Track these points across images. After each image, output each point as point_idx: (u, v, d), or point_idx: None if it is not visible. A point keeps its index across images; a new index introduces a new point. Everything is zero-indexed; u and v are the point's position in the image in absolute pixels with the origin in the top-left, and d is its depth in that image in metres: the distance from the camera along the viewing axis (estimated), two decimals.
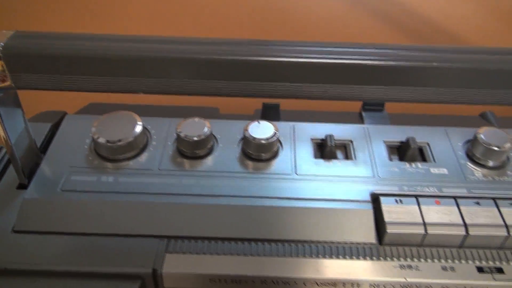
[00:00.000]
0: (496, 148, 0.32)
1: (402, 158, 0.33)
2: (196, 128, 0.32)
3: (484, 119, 0.39)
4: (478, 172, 0.32)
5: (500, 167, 0.33)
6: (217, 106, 0.39)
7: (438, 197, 0.30)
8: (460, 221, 0.28)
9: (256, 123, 0.33)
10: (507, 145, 0.32)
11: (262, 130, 0.32)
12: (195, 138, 0.32)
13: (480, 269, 0.28)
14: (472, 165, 0.32)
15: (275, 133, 0.32)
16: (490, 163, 0.32)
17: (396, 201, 0.30)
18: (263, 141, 0.32)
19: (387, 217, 0.28)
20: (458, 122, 0.37)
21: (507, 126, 0.35)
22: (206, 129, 0.32)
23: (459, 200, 0.30)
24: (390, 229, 0.28)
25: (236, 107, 0.39)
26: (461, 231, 0.28)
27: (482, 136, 0.32)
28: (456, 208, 0.29)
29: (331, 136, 0.33)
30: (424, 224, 0.28)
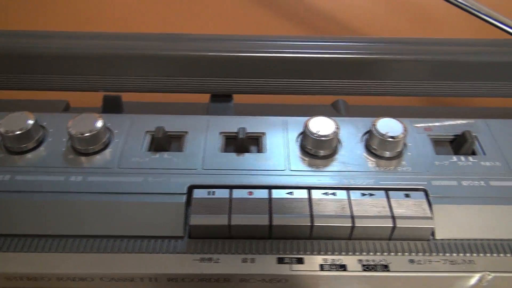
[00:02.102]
0: (390, 139, 0.31)
1: (238, 149, 0.33)
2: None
3: (335, 109, 0.39)
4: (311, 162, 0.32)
5: (395, 157, 0.32)
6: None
7: (252, 188, 0.29)
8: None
9: (82, 116, 0.32)
10: (401, 135, 0.31)
11: (86, 123, 0.32)
12: None
13: (280, 260, 0.27)
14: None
15: (101, 126, 0.31)
16: (384, 153, 0.32)
17: (208, 193, 0.29)
18: (87, 134, 0.31)
19: (193, 210, 0.28)
20: (311, 111, 0.37)
21: (357, 115, 0.35)
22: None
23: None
24: (193, 222, 0.28)
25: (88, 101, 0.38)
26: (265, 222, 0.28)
27: (377, 127, 0.31)
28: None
29: (163, 129, 0.33)
30: (230, 216, 0.28)
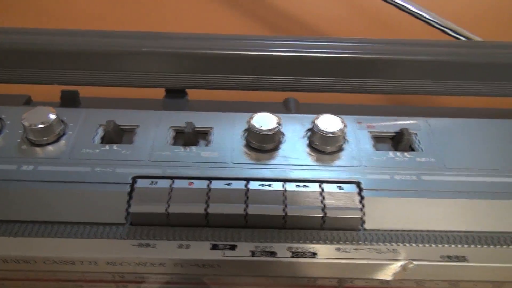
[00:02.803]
0: (330, 134, 0.32)
1: (185, 143, 0.34)
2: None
3: (285, 106, 0.40)
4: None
5: (335, 152, 0.34)
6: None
7: (193, 179, 0.31)
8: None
9: (37, 109, 0.33)
10: (339, 131, 0.32)
11: (39, 116, 0.33)
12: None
13: (214, 246, 0.29)
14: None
15: (54, 118, 0.33)
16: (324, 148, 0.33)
17: (151, 183, 0.31)
18: (40, 126, 0.33)
19: (135, 198, 0.30)
20: (262, 108, 0.38)
21: (306, 112, 0.37)
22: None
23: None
24: (133, 209, 0.29)
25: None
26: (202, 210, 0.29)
27: (317, 123, 0.33)
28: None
29: (114, 122, 0.34)
30: (168, 204, 0.29)
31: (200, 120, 0.35)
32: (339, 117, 0.34)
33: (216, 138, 0.34)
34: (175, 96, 0.39)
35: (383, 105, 0.41)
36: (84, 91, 0.40)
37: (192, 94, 0.40)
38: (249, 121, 0.33)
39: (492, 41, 0.39)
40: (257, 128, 0.33)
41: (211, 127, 0.35)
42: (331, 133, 0.33)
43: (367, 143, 0.34)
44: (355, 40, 0.38)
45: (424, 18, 0.40)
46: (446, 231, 0.30)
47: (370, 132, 0.35)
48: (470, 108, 0.40)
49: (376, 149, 0.35)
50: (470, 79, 0.38)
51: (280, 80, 0.38)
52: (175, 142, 0.34)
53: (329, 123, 0.33)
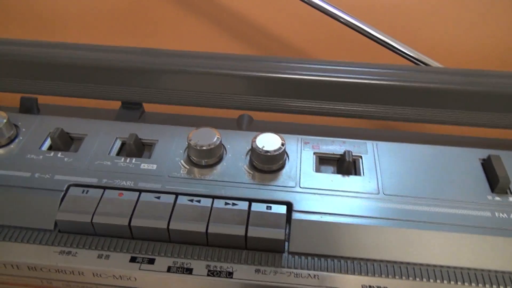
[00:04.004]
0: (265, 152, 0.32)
1: (127, 154, 0.35)
2: None
3: (238, 123, 0.40)
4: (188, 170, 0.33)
5: (274, 171, 0.33)
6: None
7: (124, 190, 0.31)
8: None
9: None
10: (276, 150, 0.32)
11: None
12: None
13: (133, 258, 0.29)
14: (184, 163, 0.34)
15: (4, 123, 0.34)
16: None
17: (83, 191, 0.31)
18: None
19: (63, 206, 0.30)
20: (217, 124, 0.38)
21: (259, 130, 0.37)
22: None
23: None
24: (59, 217, 0.30)
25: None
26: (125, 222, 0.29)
27: (256, 141, 0.33)
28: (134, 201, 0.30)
29: (60, 130, 0.35)
30: (94, 214, 0.30)
31: (147, 132, 0.36)
32: (280, 136, 0.34)
33: (158, 150, 0.35)
34: (131, 108, 0.40)
35: (342, 127, 0.40)
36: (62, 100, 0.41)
37: (151, 107, 0.41)
38: (188, 136, 0.33)
39: (454, 69, 0.37)
40: (195, 144, 0.33)
41: (156, 140, 0.35)
42: (268, 152, 0.32)
43: (309, 164, 0.34)
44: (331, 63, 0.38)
45: (384, 43, 0.39)
46: (369, 260, 0.29)
47: (315, 153, 0.35)
48: (429, 134, 0.39)
49: (319, 170, 0.34)
50: (431, 106, 0.37)
51: (237, 98, 0.38)
52: (120, 153, 0.35)
53: (268, 142, 0.33)
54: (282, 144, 0.33)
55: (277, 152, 0.33)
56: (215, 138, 0.33)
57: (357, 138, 0.36)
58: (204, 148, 0.33)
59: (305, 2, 0.44)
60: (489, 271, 0.28)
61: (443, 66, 0.39)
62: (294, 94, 0.38)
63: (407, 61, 0.39)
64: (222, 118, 0.41)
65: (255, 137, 0.33)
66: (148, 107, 0.41)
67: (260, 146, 0.33)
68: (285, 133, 0.36)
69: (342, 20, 0.42)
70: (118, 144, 0.35)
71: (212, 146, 0.33)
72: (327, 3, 0.45)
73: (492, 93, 0.35)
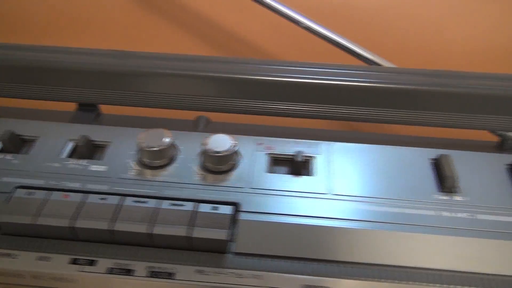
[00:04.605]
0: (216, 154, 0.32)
1: (78, 156, 0.34)
2: None
3: (195, 124, 0.40)
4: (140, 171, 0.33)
5: (224, 172, 0.33)
6: None
7: (71, 192, 0.31)
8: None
9: None
10: (227, 151, 0.32)
11: None
12: None
13: (74, 260, 0.28)
14: (135, 166, 0.33)
15: None
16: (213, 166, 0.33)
17: (29, 193, 0.31)
18: None
19: (6, 207, 0.30)
20: (174, 126, 0.38)
21: (215, 131, 0.36)
22: None
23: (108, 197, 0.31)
24: (1, 219, 0.29)
25: None
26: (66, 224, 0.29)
27: (206, 142, 0.33)
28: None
29: (9, 132, 0.34)
30: (38, 216, 0.29)
31: (100, 134, 0.36)
32: (232, 137, 0.33)
33: (110, 152, 0.34)
34: (87, 110, 0.40)
35: (299, 128, 0.40)
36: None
37: (109, 108, 0.41)
38: (138, 138, 0.33)
39: (406, 68, 0.38)
40: (145, 145, 0.33)
41: (109, 141, 0.35)
42: (218, 152, 0.32)
43: (261, 165, 0.34)
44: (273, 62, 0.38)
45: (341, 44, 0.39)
46: (312, 260, 0.29)
47: (268, 153, 0.35)
48: (384, 134, 0.39)
49: (271, 171, 0.34)
50: (384, 106, 0.37)
51: (194, 99, 0.38)
52: (72, 155, 0.35)
53: (219, 143, 0.33)
54: (233, 145, 0.33)
55: (227, 153, 0.32)
56: (165, 139, 0.33)
57: (313, 138, 0.36)
58: (154, 149, 0.33)
59: (267, 7, 0.45)
60: (431, 269, 0.28)
61: (396, 66, 0.39)
62: (251, 95, 0.38)
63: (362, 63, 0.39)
64: (180, 120, 0.40)
65: (206, 138, 0.33)
66: (106, 109, 0.41)
67: (210, 147, 0.32)
68: (241, 135, 0.36)
69: (302, 24, 0.42)
70: (70, 146, 0.35)
71: (162, 147, 0.33)
72: (290, 9, 0.46)
73: (444, 93, 0.36)
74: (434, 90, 0.36)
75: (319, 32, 0.40)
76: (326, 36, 0.40)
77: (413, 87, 0.36)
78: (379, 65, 0.39)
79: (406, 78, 0.36)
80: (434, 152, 0.34)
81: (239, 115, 0.39)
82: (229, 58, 0.39)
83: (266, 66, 0.38)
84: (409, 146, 0.35)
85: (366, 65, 0.40)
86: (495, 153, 0.35)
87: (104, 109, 0.42)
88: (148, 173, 0.33)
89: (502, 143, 0.38)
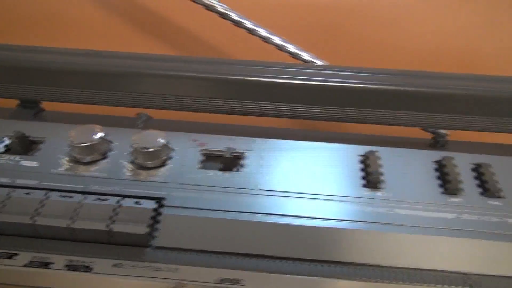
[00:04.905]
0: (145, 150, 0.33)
1: (13, 151, 0.35)
2: None
3: (136, 121, 0.40)
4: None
5: (155, 168, 0.33)
6: None
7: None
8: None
9: None
10: (155, 147, 0.33)
11: None
12: None
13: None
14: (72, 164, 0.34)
15: None
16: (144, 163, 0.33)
17: None
18: None
19: None
20: (115, 123, 0.39)
21: (156, 128, 0.37)
22: None
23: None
24: None
25: None
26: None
27: (135, 138, 0.33)
28: None
29: None
30: None
31: (37, 130, 0.36)
32: (163, 133, 0.34)
33: (45, 148, 0.35)
34: (28, 107, 0.40)
35: (238, 125, 0.41)
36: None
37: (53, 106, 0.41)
38: (69, 134, 0.33)
39: (337, 66, 0.38)
40: (76, 141, 0.33)
41: (44, 137, 0.36)
42: (147, 148, 0.33)
43: (193, 161, 0.34)
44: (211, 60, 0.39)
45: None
46: (227, 253, 0.29)
47: (201, 150, 0.35)
48: (321, 132, 0.39)
49: (203, 167, 0.34)
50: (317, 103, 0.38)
51: (134, 96, 0.39)
52: (7, 151, 0.35)
53: (149, 139, 0.33)
54: (162, 141, 0.33)
55: (156, 149, 0.33)
56: (96, 135, 0.33)
57: (251, 135, 0.37)
58: (84, 145, 0.33)
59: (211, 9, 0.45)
60: (349, 264, 0.29)
61: (328, 64, 0.40)
62: (190, 92, 0.38)
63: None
64: (122, 117, 0.41)
65: (136, 134, 0.34)
66: (49, 106, 0.41)
67: (139, 143, 0.33)
68: (179, 131, 0.36)
69: (244, 25, 0.42)
70: (5, 142, 0.35)
71: (92, 143, 0.33)
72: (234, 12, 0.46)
73: (379, 91, 0.36)
74: (371, 88, 0.36)
75: (258, 32, 0.40)
76: (263, 35, 0.41)
77: (349, 85, 0.37)
78: (313, 63, 0.40)
79: (340, 75, 0.37)
80: (362, 149, 0.35)
81: (181, 112, 0.39)
82: (163, 56, 0.39)
83: (207, 65, 0.39)
84: (338, 142, 0.35)
85: (300, 63, 0.41)
86: (425, 150, 0.36)
87: (50, 106, 0.43)
88: (79, 168, 0.33)
89: (435, 141, 0.39)
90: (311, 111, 0.38)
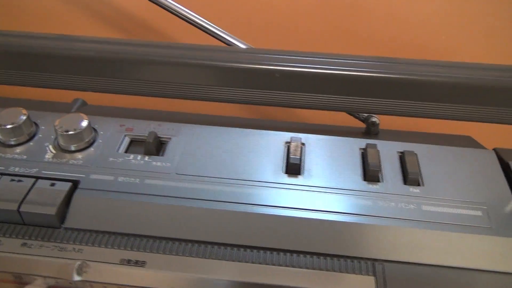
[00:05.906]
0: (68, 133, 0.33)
1: None
2: None
3: (73, 106, 0.40)
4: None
5: (76, 151, 0.34)
6: None
7: None
8: None
9: None
10: (74, 131, 0.33)
11: None
12: None
13: None
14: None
15: None
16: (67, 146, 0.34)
17: None
18: None
19: None
20: (51, 108, 0.39)
21: (90, 113, 0.37)
22: None
23: None
24: None
25: None
26: None
27: (57, 122, 0.34)
28: None
29: None
30: None
31: None
32: (87, 117, 0.34)
33: None
34: None
35: (175, 112, 0.40)
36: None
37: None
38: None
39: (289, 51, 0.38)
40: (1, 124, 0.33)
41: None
42: (68, 131, 0.33)
43: (117, 145, 0.34)
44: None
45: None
46: (132, 235, 0.29)
47: (127, 135, 0.35)
48: (254, 119, 0.39)
49: (127, 151, 0.34)
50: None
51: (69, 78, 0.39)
52: None
53: (73, 122, 0.34)
54: (85, 124, 0.33)
55: (77, 132, 0.33)
56: (21, 117, 0.34)
57: (182, 121, 0.37)
58: (7, 127, 0.33)
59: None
60: (278, 249, 0.29)
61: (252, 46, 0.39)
62: (123, 75, 0.38)
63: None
64: (59, 102, 0.41)
65: (59, 118, 0.34)
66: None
67: (61, 126, 0.33)
68: (109, 116, 0.37)
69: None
70: None
71: (15, 125, 0.33)
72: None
73: (318, 75, 0.36)
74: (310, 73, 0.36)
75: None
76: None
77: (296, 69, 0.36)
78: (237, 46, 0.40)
79: (265, 58, 0.36)
80: (290, 136, 0.35)
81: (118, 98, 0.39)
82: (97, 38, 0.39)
83: (143, 48, 0.39)
84: (280, 130, 0.35)
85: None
86: (353, 138, 0.35)
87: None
88: (2, 150, 0.34)
89: (368, 129, 0.38)
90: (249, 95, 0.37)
